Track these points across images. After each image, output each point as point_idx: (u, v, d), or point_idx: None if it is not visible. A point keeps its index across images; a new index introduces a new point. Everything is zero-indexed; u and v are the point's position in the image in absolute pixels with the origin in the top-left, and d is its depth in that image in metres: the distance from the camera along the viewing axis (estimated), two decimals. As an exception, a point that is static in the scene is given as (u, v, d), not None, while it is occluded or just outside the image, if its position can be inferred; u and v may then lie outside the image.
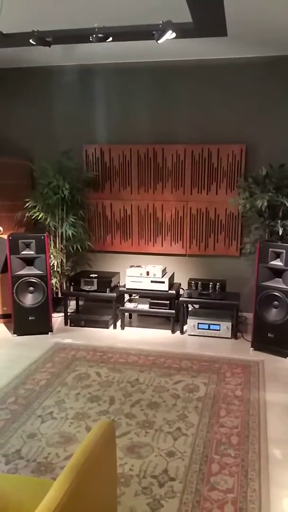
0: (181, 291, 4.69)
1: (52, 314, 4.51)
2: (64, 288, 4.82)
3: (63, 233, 4.64)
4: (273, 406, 3.00)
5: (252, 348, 3.98)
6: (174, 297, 4.40)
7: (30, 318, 4.25)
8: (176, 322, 4.47)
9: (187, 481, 2.23)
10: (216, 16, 3.19)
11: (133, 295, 4.73)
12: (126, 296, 4.76)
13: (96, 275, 4.58)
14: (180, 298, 4.41)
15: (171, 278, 4.54)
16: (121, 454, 2.45)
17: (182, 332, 4.41)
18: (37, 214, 4.56)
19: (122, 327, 4.53)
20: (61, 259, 4.76)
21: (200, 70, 4.46)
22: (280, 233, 4.07)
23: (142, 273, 4.42)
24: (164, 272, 4.50)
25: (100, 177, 4.83)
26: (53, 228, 4.69)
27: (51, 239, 4.74)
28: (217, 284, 4.28)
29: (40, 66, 4.79)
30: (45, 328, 4.31)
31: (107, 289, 4.49)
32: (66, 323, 4.60)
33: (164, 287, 4.36)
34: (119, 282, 4.81)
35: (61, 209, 4.58)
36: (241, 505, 2.06)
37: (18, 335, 4.27)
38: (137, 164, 4.71)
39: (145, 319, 4.82)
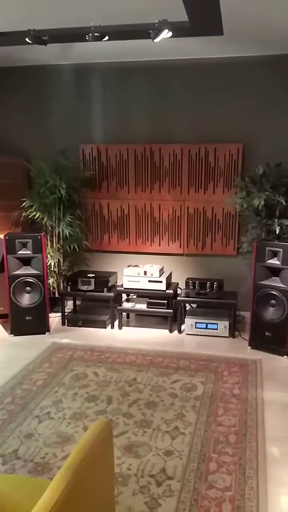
0: (179, 291, 4.69)
1: (49, 314, 4.50)
2: (61, 288, 4.81)
3: (60, 232, 4.63)
4: (270, 405, 3.01)
5: (249, 347, 3.98)
6: (172, 296, 4.39)
7: (27, 318, 4.24)
8: (173, 321, 4.46)
9: (185, 479, 2.23)
10: (212, 15, 3.19)
11: (131, 294, 4.72)
12: (124, 296, 4.76)
13: (93, 275, 4.58)
14: (178, 298, 4.41)
15: (169, 278, 4.53)
16: (119, 454, 2.44)
17: (179, 331, 4.41)
18: (34, 213, 4.55)
19: (120, 327, 4.53)
20: (58, 258, 4.75)
21: (196, 69, 4.46)
22: (277, 232, 4.07)
23: (139, 272, 4.41)
24: (161, 271, 4.50)
25: (97, 176, 4.82)
26: (50, 228, 4.68)
27: (48, 239, 4.73)
28: (215, 283, 4.28)
29: (36, 65, 4.78)
30: (42, 328, 4.30)
31: (105, 289, 4.48)
32: (63, 323, 4.60)
33: (162, 286, 4.36)
34: (116, 281, 4.80)
35: (58, 209, 4.57)
36: (239, 503, 2.06)
37: (15, 335, 4.26)
38: (134, 164, 4.71)
39: (143, 319, 4.82)
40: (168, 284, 4.48)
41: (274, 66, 4.29)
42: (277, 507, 2.06)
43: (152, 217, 4.79)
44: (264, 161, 4.35)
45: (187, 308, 4.65)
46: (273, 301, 3.80)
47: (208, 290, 4.29)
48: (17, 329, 4.26)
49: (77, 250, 4.72)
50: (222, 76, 4.42)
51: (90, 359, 3.74)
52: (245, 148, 4.47)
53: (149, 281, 4.39)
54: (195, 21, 3.29)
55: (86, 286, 4.51)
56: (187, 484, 2.19)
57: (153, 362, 3.68)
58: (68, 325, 4.58)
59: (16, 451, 2.47)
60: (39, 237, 4.18)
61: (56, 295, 4.89)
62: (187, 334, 4.35)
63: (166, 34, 3.32)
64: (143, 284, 4.41)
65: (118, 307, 4.52)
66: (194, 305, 4.71)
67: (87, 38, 3.37)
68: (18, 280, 4.18)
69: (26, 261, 4.22)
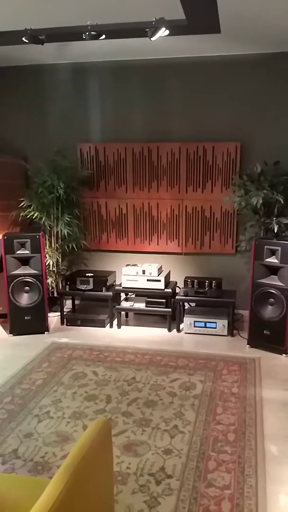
0: (177, 290, 4.69)
1: (48, 314, 4.50)
2: (60, 287, 4.81)
3: (58, 232, 4.63)
4: (269, 403, 3.01)
5: (248, 346, 3.99)
6: (170, 295, 4.40)
7: (26, 317, 4.24)
8: (172, 320, 4.47)
9: (184, 478, 2.23)
10: (209, 13, 3.19)
11: (129, 293, 4.73)
12: (122, 295, 4.76)
13: (92, 274, 4.58)
14: (176, 297, 4.41)
15: (167, 277, 4.54)
16: (118, 453, 2.44)
17: (178, 330, 4.41)
18: (32, 213, 4.55)
19: (119, 326, 4.53)
20: (57, 258, 4.75)
21: (194, 68, 4.45)
22: (276, 231, 4.07)
23: (138, 271, 4.41)
24: (160, 270, 4.50)
25: (95, 175, 4.82)
26: (48, 227, 4.68)
27: (46, 239, 4.72)
28: (213, 282, 4.28)
29: (33, 64, 4.77)
30: (41, 327, 4.30)
31: (103, 288, 4.48)
32: (62, 323, 4.60)
33: (160, 285, 4.36)
34: (115, 281, 4.80)
35: (56, 208, 4.57)
36: (238, 501, 2.07)
37: (14, 335, 4.26)
38: (132, 163, 4.70)
39: (142, 318, 4.82)
40: (167, 283, 4.48)
41: (271, 64, 4.28)
42: (276, 505, 2.07)
43: (150, 216, 4.79)
44: (262, 159, 4.36)
45: (186, 307, 4.65)
46: (272, 299, 3.81)
47: (206, 288, 4.29)
48: (16, 329, 4.26)
49: (76, 249, 4.72)
50: (220, 75, 4.41)
51: (89, 358, 3.74)
52: (243, 146, 4.47)
53: (148, 280, 4.39)
54: (192, 19, 3.28)
55: (85, 286, 4.51)
56: (187, 483, 2.20)
57: (152, 361, 3.68)
58: (67, 325, 4.58)
59: (15, 451, 2.47)
60: (37, 237, 4.17)
61: (55, 294, 4.88)
62: (185, 333, 4.35)
63: (163, 32, 3.32)
64: (142, 283, 4.41)
65: (117, 306, 4.52)
66: (192, 304, 4.72)
67: (84, 37, 3.36)
68: (17, 280, 4.18)
69: (24, 261, 4.21)
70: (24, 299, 4.23)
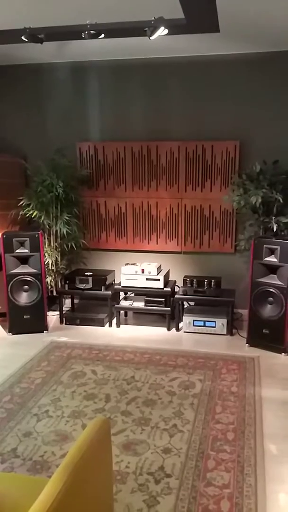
0: (176, 289, 4.69)
1: (47, 313, 4.50)
2: (59, 286, 4.81)
3: (58, 231, 4.63)
4: (268, 402, 3.01)
5: (247, 345, 3.99)
6: (170, 294, 4.40)
7: (25, 316, 4.24)
8: (171, 319, 4.47)
9: (183, 477, 2.24)
10: (208, 12, 3.19)
11: (129, 293, 4.73)
12: (122, 294, 4.76)
13: (91, 273, 4.57)
14: (176, 296, 4.41)
15: (166, 276, 4.54)
16: (117, 452, 2.45)
17: (177, 329, 4.42)
18: (31, 212, 4.54)
19: (118, 325, 4.53)
20: (56, 257, 4.75)
21: (193, 67, 4.45)
22: (275, 230, 4.07)
23: (137, 270, 4.41)
24: (159, 269, 4.50)
25: (94, 174, 4.81)
26: (47, 226, 4.68)
27: (46, 237, 4.72)
28: (212, 281, 4.28)
29: (32, 63, 4.76)
30: (40, 326, 4.30)
31: (102, 287, 4.48)
32: (61, 322, 4.59)
33: (159, 284, 4.36)
34: (114, 280, 4.80)
35: (55, 207, 4.56)
36: (237, 501, 2.07)
37: (13, 333, 4.26)
38: (131, 162, 4.70)
39: (141, 317, 4.82)
40: (166, 282, 4.48)
41: (270, 63, 4.28)
42: (275, 504, 2.07)
43: (150, 215, 4.79)
44: (261, 158, 4.35)
45: (185, 306, 4.65)
46: (271, 298, 3.81)
47: (205, 288, 4.29)
48: (15, 328, 4.26)
49: (75, 248, 4.72)
50: (219, 74, 4.41)
51: (88, 357, 3.74)
52: (242, 145, 4.46)
53: (147, 279, 4.39)
54: (191, 18, 3.28)
55: (84, 285, 4.51)
56: (186, 482, 2.20)
57: (151, 360, 3.68)
58: (66, 324, 4.58)
59: (14, 450, 2.47)
60: (36, 236, 4.17)
61: (54, 293, 4.88)
62: (185, 332, 4.35)
63: (162, 31, 3.32)
64: (141, 282, 4.41)
65: (116, 305, 4.52)
66: (192, 303, 4.72)
67: (83, 36, 3.36)
68: (16, 278, 4.18)
69: (23, 260, 4.21)
70: (23, 298, 4.23)
